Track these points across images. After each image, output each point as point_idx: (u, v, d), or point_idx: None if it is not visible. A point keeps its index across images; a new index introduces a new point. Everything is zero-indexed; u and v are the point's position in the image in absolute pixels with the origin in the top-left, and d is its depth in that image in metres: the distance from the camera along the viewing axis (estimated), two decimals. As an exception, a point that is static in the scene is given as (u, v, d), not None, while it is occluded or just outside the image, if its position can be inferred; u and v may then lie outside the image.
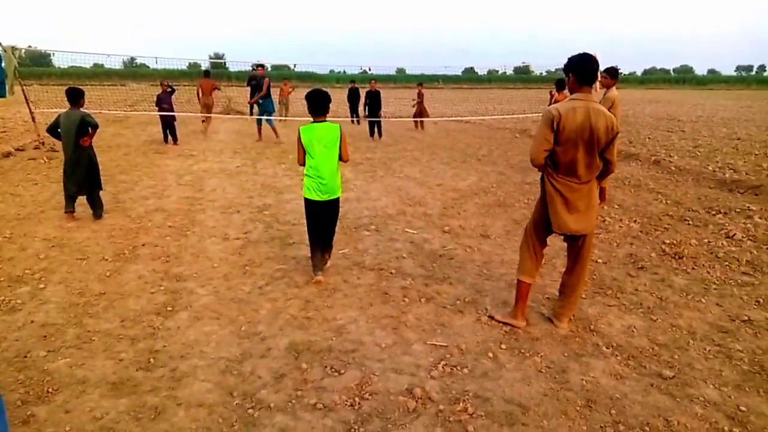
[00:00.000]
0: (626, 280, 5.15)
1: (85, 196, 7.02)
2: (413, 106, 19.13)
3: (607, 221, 7.06)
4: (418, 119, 18.88)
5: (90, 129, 6.81)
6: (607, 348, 3.90)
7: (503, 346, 3.89)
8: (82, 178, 6.90)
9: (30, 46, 13.91)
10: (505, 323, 4.21)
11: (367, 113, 17.06)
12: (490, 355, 3.77)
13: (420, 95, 18.91)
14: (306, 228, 5.15)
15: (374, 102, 16.88)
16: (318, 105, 4.85)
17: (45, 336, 3.95)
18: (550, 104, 11.09)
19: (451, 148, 14.36)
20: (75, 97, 6.87)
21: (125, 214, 7.21)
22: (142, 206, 7.64)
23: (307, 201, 4.96)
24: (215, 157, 12.18)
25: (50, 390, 3.30)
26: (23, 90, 11.46)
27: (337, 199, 5.03)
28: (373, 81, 17.36)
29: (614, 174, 8.76)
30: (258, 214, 7.39)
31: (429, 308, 4.50)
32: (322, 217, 5.03)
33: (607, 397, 3.32)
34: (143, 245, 5.99)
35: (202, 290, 4.81)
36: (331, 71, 75.59)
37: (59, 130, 6.84)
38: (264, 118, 15.11)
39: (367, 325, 4.19)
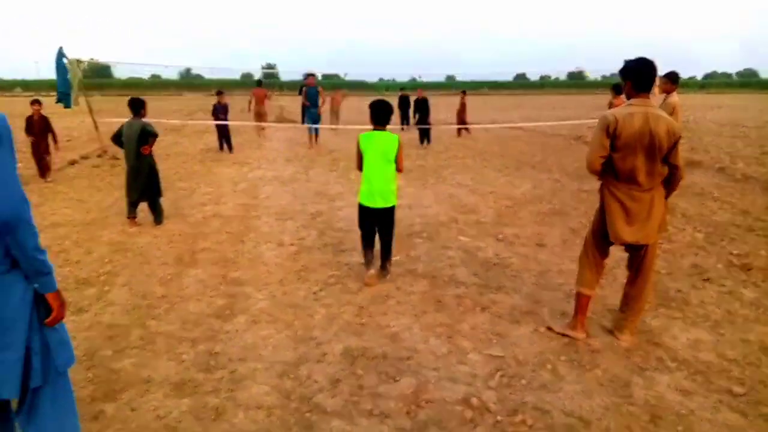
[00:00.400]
0: (691, 293, 4.96)
1: (146, 203, 7.29)
2: (456, 116, 19.11)
3: (671, 231, 6.82)
4: (461, 126, 18.82)
5: (150, 138, 7.09)
6: (672, 362, 3.76)
7: (562, 358, 3.80)
8: (143, 186, 7.18)
9: (92, 59, 14.57)
10: (563, 335, 4.12)
11: (416, 120, 17.11)
12: (549, 366, 3.70)
13: (462, 103, 18.82)
14: (359, 234, 5.30)
15: (422, 109, 16.95)
16: (379, 114, 5.10)
17: (111, 336, 4.11)
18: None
19: (503, 155, 14.21)
20: (136, 106, 7.16)
21: (184, 220, 7.44)
22: (200, 212, 7.88)
23: (361, 206, 5.17)
24: (269, 165, 12.43)
25: (117, 388, 3.44)
26: (87, 101, 12.06)
27: (392, 207, 5.14)
28: (419, 89, 17.47)
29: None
30: (311, 220, 7.50)
31: (484, 317, 4.45)
32: (375, 225, 5.19)
33: (673, 414, 3.19)
34: (202, 250, 6.17)
35: (258, 294, 4.91)
36: (381, 80, 76.32)
37: (122, 138, 7.15)
38: (313, 126, 15.43)
39: (421, 332, 4.18)
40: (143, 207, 7.37)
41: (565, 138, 18.32)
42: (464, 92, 19.52)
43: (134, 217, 7.23)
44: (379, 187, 5.02)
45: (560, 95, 56.51)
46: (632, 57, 3.78)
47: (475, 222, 7.40)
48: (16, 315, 2.25)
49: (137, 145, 7.07)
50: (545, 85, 79.87)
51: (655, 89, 7.27)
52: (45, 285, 2.31)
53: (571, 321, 4.18)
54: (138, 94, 8.29)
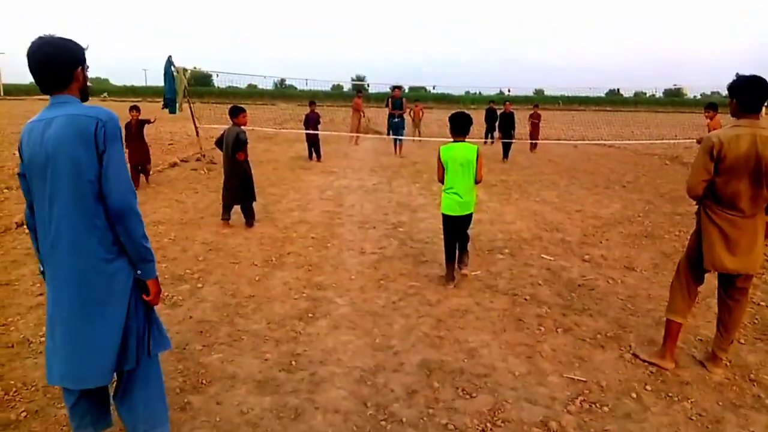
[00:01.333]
0: (797, 329, 4.58)
1: (239, 206, 7.63)
2: (529, 127, 18.87)
3: (774, 261, 6.33)
4: (533, 141, 18.45)
5: (241, 145, 7.40)
6: (772, 402, 3.49)
7: (648, 387, 3.62)
8: (237, 190, 7.51)
9: (195, 68, 15.46)
10: (651, 363, 3.92)
11: (501, 135, 16.91)
12: (634, 395, 3.53)
13: (535, 116, 18.44)
14: (443, 245, 5.46)
15: (507, 123, 16.69)
16: (458, 126, 5.36)
17: (201, 331, 4.34)
18: (709, 129, 10.26)
19: (592, 172, 13.75)
20: (235, 112, 7.53)
21: (273, 224, 7.73)
22: (288, 218, 8.15)
23: (444, 216, 5.43)
24: (354, 174, 12.68)
25: (204, 382, 3.61)
26: (190, 107, 12.79)
27: (471, 214, 5.48)
28: (507, 102, 17.24)
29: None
30: (393, 230, 7.57)
31: (566, 340, 4.32)
32: (456, 230, 5.49)
33: (772, 458, 2.96)
34: (288, 254, 6.38)
35: (340, 300, 5.01)
36: (467, 92, 75.92)
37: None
38: (399, 137, 15.74)
39: (500, 350, 4.11)
40: (236, 209, 7.72)
41: (659, 158, 17.48)
42: (537, 105, 19.25)
43: (228, 219, 7.58)
44: (461, 197, 5.32)
45: (655, 113, 53.93)
46: (743, 73, 3.57)
47: (560, 241, 7.20)
48: (118, 299, 2.45)
49: (233, 151, 7.40)
50: (640, 102, 76.42)
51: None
52: (147, 271, 2.51)
53: (659, 349, 3.97)
54: (236, 103, 8.72)
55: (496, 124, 17.83)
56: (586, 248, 6.87)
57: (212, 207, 8.64)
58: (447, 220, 5.43)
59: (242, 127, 7.52)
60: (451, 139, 5.35)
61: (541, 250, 6.74)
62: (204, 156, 13.23)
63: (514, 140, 16.59)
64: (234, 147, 7.38)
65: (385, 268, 5.98)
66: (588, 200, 10.00)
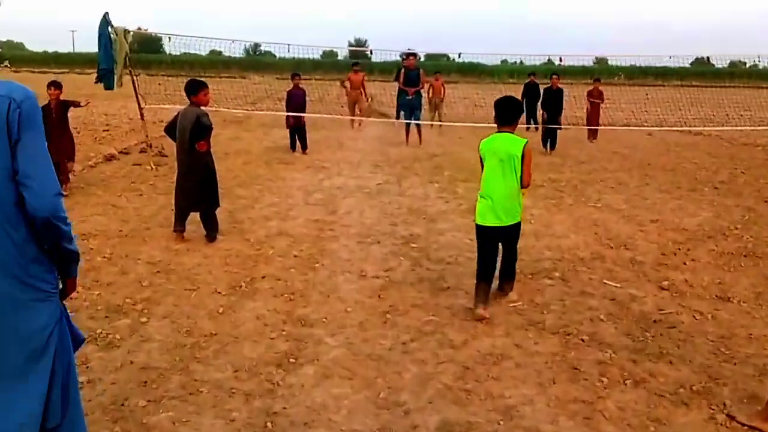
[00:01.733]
0: None
1: (198, 213, 7.66)
2: (587, 109, 19.01)
3: None
4: (592, 127, 18.49)
5: (204, 132, 7.41)
6: None
7: (749, 461, 3.61)
8: (196, 191, 7.53)
9: (140, 29, 15.52)
10: (752, 428, 3.91)
11: (545, 117, 16.89)
12: (729, 471, 3.52)
13: (595, 94, 18.44)
14: (475, 265, 5.54)
15: (554, 104, 16.67)
16: (503, 112, 5.57)
17: (146, 382, 4.35)
18: None
19: (672, 169, 13.76)
20: (194, 89, 7.48)
21: (243, 238, 7.76)
22: (263, 229, 8.19)
23: (478, 228, 5.64)
24: (352, 170, 12.73)
25: (150, 448, 3.63)
26: (133, 81, 12.86)
27: (517, 224, 5.75)
28: (554, 76, 17.21)
29: None
30: (403, 246, 7.58)
31: (638, 395, 4.32)
32: (495, 245, 5.64)
33: None
34: (263, 277, 6.40)
35: (331, 340, 5.03)
36: (504, 62, 75.99)
37: (176, 131, 7.56)
38: (413, 121, 15.73)
39: (547, 409, 4.11)
40: (194, 218, 7.74)
41: (764, 149, 17.45)
42: (598, 80, 19.29)
43: (182, 231, 7.61)
44: (502, 204, 5.46)
45: (758, 89, 53.86)
46: None
47: (630, 261, 7.19)
48: (45, 340, 2.51)
49: (191, 139, 7.39)
50: (737, 74, 76.18)
51: None
52: (71, 271, 2.70)
53: (763, 409, 3.97)
54: (193, 75, 8.77)
55: (539, 103, 17.84)
56: (665, 271, 6.86)
57: (161, 214, 8.70)
58: (480, 232, 5.65)
59: (203, 108, 7.54)
60: (486, 125, 5.42)
61: (603, 274, 6.73)
62: (151, 146, 13.29)
63: (562, 126, 16.59)
64: (193, 134, 7.38)
65: (393, 297, 5.98)
66: (667, 206, 10.00)
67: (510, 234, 5.70)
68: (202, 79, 8.29)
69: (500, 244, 5.75)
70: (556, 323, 5.46)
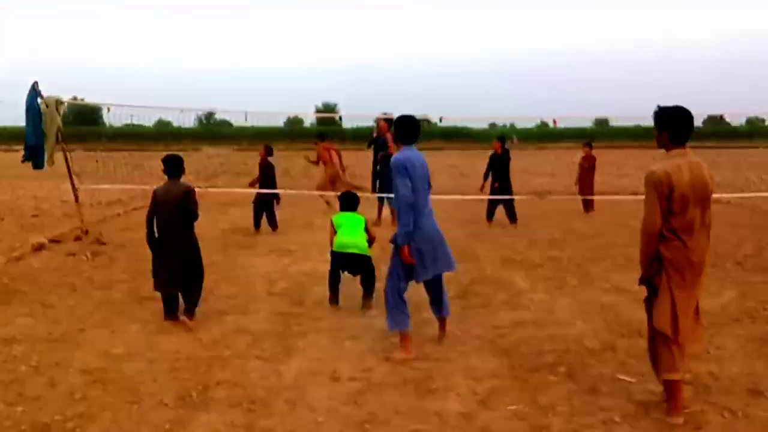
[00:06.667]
0: None
1: (181, 292, 8.26)
2: (575, 183, 19.41)
3: None
4: (586, 197, 18.80)
5: (194, 209, 8.11)
6: None
7: None
8: (186, 269, 8.15)
9: (75, 98, 15.62)
10: None
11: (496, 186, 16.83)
12: None
13: (587, 159, 18.79)
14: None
15: (501, 170, 16.62)
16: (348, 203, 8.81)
17: None
18: None
19: (689, 242, 13.82)
20: (177, 166, 8.30)
21: (194, 337, 7.67)
22: (218, 325, 8.10)
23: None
24: (321, 254, 12.62)
25: None
26: (66, 158, 12.87)
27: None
28: (497, 141, 17.05)
29: None
30: (383, 341, 7.52)
31: None
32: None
33: None
34: (218, 384, 6.29)
35: (300, 459, 4.90)
36: (492, 125, 77.30)
37: (155, 212, 8.14)
38: (386, 195, 15.79)
39: None
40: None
41: (791, 217, 17.71)
42: (589, 145, 19.61)
43: (177, 318, 8.17)
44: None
45: (786, 148, 55.06)
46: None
47: (646, 351, 7.15)
48: None
49: (180, 216, 8.01)
50: (758, 132, 78.07)
51: None
52: None
53: None
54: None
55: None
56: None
57: (98, 312, 8.61)
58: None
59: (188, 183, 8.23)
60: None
61: (616, 368, 6.70)
62: (87, 233, 13.23)
63: (513, 196, 16.48)
64: (184, 210, 8.04)
65: (372, 403, 5.90)
66: (685, 285, 10.00)
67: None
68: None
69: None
70: (563, 428, 5.40)
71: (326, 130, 22.21)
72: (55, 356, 7.06)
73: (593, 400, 5.93)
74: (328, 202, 19.51)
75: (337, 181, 18.91)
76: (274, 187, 15.60)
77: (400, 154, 7.09)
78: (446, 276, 10.64)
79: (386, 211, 16.04)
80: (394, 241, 7.09)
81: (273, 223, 15.37)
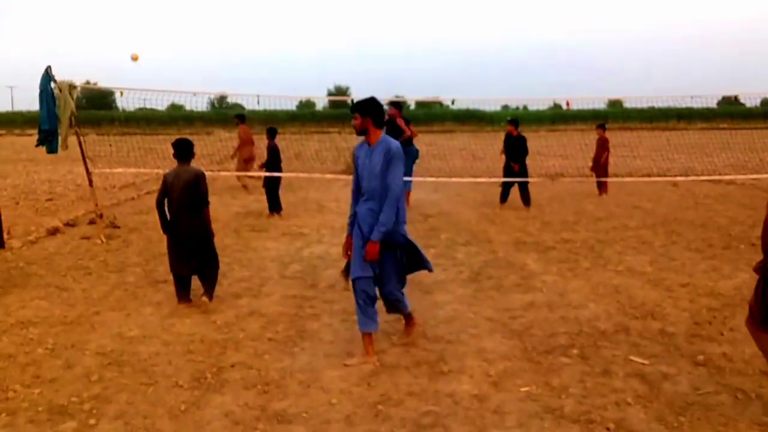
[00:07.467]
0: None
1: (198, 275, 8.38)
2: (592, 165, 19.37)
3: None
4: (600, 179, 18.76)
5: (204, 193, 8.18)
6: None
7: None
8: (199, 254, 8.25)
9: (88, 83, 15.61)
10: None
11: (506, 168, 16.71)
12: None
13: (602, 142, 18.70)
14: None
15: (518, 152, 16.54)
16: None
17: (94, 496, 4.25)
18: None
19: (703, 224, 13.85)
20: (187, 150, 8.40)
21: (208, 320, 7.71)
22: (232, 308, 8.15)
23: None
24: (334, 236, 12.71)
25: None
26: (80, 142, 12.91)
27: None
28: (510, 123, 17.00)
29: None
30: (396, 323, 7.53)
31: (675, 491, 4.23)
32: None
33: None
34: (232, 366, 6.33)
35: (314, 439, 4.94)
36: (505, 107, 76.87)
37: (166, 197, 8.17)
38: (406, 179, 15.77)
39: None
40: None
41: (806, 198, 17.57)
42: (603, 127, 19.48)
43: (189, 301, 8.29)
44: None
45: (799, 129, 54.67)
46: None
47: (659, 333, 7.17)
48: None
49: (191, 200, 8.07)
50: (771, 113, 77.31)
51: None
52: None
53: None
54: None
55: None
56: (700, 344, 6.83)
57: (113, 295, 8.67)
58: None
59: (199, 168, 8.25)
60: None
61: (628, 349, 6.70)
62: (101, 216, 13.28)
63: (528, 179, 16.44)
64: (195, 195, 8.10)
65: (385, 384, 5.92)
66: (698, 268, 10.03)
67: None
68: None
69: None
70: (576, 409, 5.39)
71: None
72: (70, 339, 7.12)
73: (606, 381, 5.93)
74: (245, 186, 19.63)
75: (251, 162, 19.21)
76: (278, 171, 15.60)
77: (395, 141, 6.61)
78: (460, 258, 10.76)
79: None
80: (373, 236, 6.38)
81: (277, 207, 15.42)
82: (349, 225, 6.68)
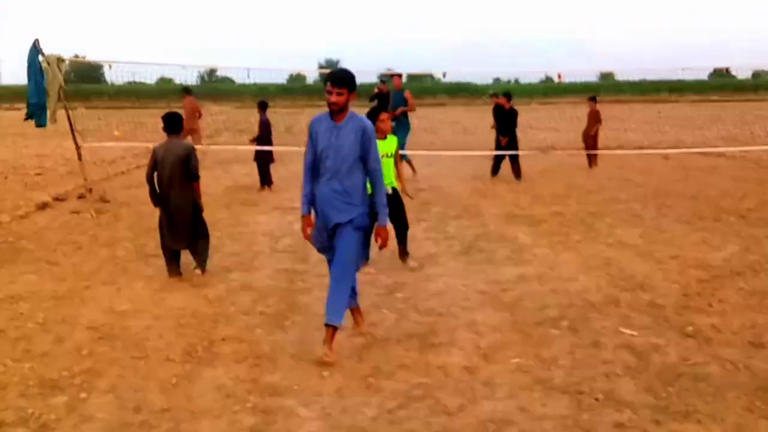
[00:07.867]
0: None
1: (189, 249, 8.42)
2: (590, 134, 19.23)
3: None
4: (590, 152, 18.81)
5: (194, 167, 8.15)
6: None
7: None
8: (188, 228, 8.23)
9: (77, 56, 15.51)
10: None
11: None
12: None
13: (593, 115, 18.75)
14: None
15: (508, 125, 16.56)
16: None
17: (86, 469, 4.26)
18: None
19: (693, 197, 13.88)
20: (177, 124, 8.35)
21: (199, 294, 7.71)
22: (223, 282, 8.15)
23: None
24: (325, 210, 12.70)
25: None
26: (69, 116, 12.83)
27: None
28: (493, 95, 17.05)
29: None
30: (387, 297, 7.55)
31: (663, 461, 4.27)
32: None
33: None
34: (223, 340, 6.34)
35: (305, 411, 4.97)
36: (497, 80, 76.74)
37: (156, 171, 8.13)
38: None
39: (559, 482, 4.06)
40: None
41: (796, 170, 17.66)
42: (594, 99, 19.52)
43: (179, 274, 8.32)
44: None
45: (789, 102, 54.72)
46: None
47: (648, 304, 7.20)
48: None
49: (182, 174, 8.06)
50: (762, 86, 77.32)
51: None
52: None
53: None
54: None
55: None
56: (689, 315, 6.86)
57: (104, 270, 8.66)
58: None
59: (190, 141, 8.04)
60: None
61: (618, 321, 6.73)
62: (91, 191, 13.23)
63: (518, 151, 16.46)
64: (185, 169, 8.08)
65: (376, 356, 5.94)
66: (688, 240, 10.06)
67: None
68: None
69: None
70: (565, 381, 5.42)
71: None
72: (61, 313, 7.11)
73: (595, 353, 5.96)
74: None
75: (194, 134, 19.50)
76: (269, 144, 15.64)
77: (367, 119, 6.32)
78: (451, 231, 10.78)
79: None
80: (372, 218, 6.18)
81: (267, 181, 15.47)
82: (305, 204, 6.21)
